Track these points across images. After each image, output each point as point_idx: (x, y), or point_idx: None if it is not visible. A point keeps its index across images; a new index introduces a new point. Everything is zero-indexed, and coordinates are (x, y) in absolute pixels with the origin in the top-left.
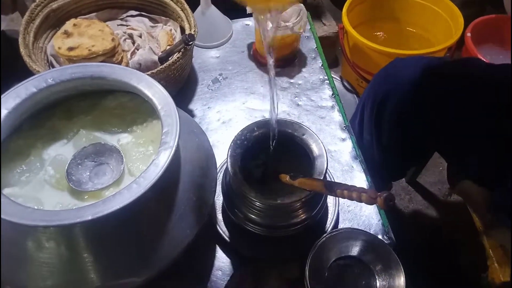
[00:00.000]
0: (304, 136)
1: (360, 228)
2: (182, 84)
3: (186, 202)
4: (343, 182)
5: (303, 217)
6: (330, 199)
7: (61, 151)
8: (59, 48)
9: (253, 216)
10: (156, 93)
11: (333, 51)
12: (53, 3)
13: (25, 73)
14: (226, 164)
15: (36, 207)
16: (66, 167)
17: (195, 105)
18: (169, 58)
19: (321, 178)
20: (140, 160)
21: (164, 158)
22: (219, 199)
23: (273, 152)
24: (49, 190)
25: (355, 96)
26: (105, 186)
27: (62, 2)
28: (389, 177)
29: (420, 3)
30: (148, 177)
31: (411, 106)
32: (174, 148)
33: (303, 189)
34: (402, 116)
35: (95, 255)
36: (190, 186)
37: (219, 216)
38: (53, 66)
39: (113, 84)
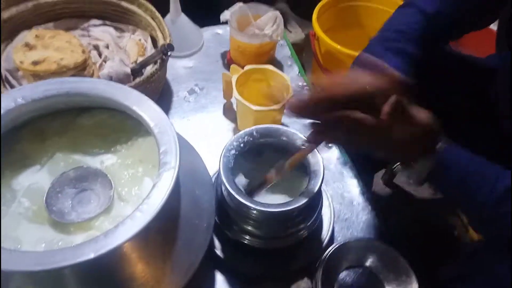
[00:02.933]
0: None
1: (359, 235)
2: (157, 97)
3: (190, 227)
4: (337, 188)
5: (301, 226)
6: (325, 209)
7: (34, 179)
8: (21, 62)
9: (249, 228)
10: (146, 109)
11: (300, 58)
12: (3, 12)
13: None
14: (217, 177)
15: (13, 247)
16: (44, 197)
17: (173, 118)
18: (143, 70)
19: (320, 183)
20: (130, 183)
21: (167, 181)
22: None
23: (266, 161)
24: (26, 225)
25: None
26: (94, 216)
27: (14, 11)
28: (373, 168)
29: (383, 10)
30: (152, 202)
31: None
32: (177, 169)
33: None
34: None
35: None
36: (191, 208)
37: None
38: (9, 83)
39: (94, 101)
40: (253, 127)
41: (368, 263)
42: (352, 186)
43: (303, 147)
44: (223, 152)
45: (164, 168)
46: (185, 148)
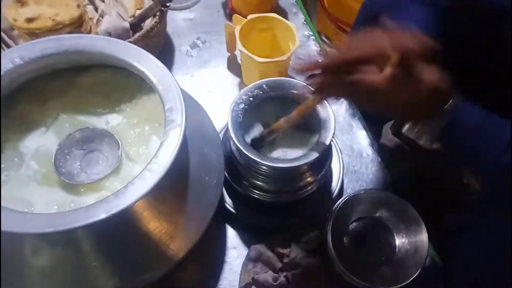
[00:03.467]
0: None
1: (368, 186)
2: (158, 52)
3: (199, 184)
4: (347, 140)
5: (310, 180)
6: (335, 162)
7: (42, 141)
8: (14, 20)
9: (259, 183)
10: (149, 65)
11: (305, 5)
12: None
13: None
14: (225, 132)
15: (25, 209)
16: (53, 159)
17: (176, 75)
18: (142, 24)
19: (330, 138)
20: (137, 143)
21: (174, 138)
22: None
23: (275, 114)
24: (36, 188)
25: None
26: (104, 176)
27: None
28: (381, 119)
29: None
30: (160, 161)
31: None
32: (183, 126)
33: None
34: None
35: (106, 257)
36: (200, 165)
37: (223, 190)
38: (5, 43)
39: (94, 59)
40: (263, 80)
41: (378, 213)
42: (361, 138)
43: (309, 97)
44: (232, 106)
45: (171, 126)
46: (191, 105)
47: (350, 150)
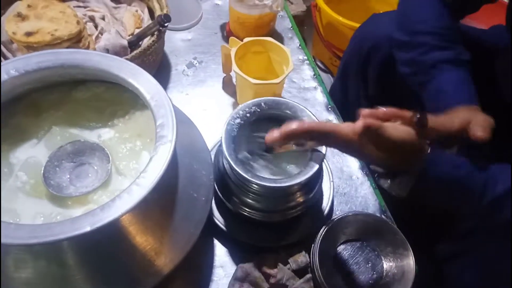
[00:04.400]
0: (300, 114)
1: (357, 209)
2: (155, 70)
3: (188, 200)
4: (337, 162)
5: (301, 201)
6: (326, 183)
7: (32, 153)
8: (13, 33)
9: (249, 201)
10: (142, 81)
11: (301, 31)
12: None
13: None
14: (218, 148)
15: (11, 220)
16: (42, 171)
17: (172, 93)
18: (140, 42)
19: (321, 160)
20: (128, 157)
21: (164, 154)
22: None
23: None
24: (24, 199)
25: (329, 75)
26: (92, 189)
27: None
28: None
29: None
30: (149, 176)
31: (393, 59)
32: (174, 142)
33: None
34: (386, 68)
35: (91, 270)
36: (189, 182)
37: (213, 205)
38: (3, 56)
39: (89, 74)
40: (261, 98)
41: (366, 237)
42: (351, 161)
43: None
44: (228, 120)
45: (161, 142)
46: (183, 122)
47: (340, 173)
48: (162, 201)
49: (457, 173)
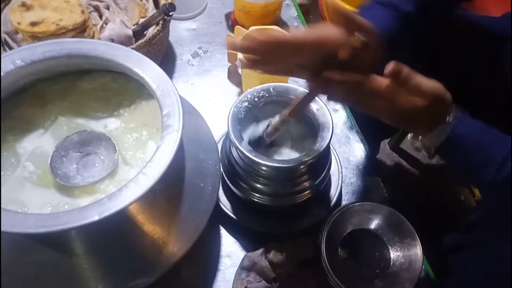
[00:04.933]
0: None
1: (363, 199)
2: (160, 60)
3: (194, 190)
4: (344, 152)
5: (307, 185)
6: (334, 172)
7: (38, 143)
8: (18, 23)
9: (258, 185)
10: (148, 71)
11: (307, 20)
12: None
13: None
14: (226, 135)
15: (19, 210)
16: (49, 161)
17: (177, 83)
18: (145, 32)
19: (329, 140)
20: (134, 147)
21: (170, 144)
22: None
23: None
24: (31, 189)
25: None
26: (99, 179)
27: None
28: (380, 135)
29: None
30: (155, 166)
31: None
32: (180, 131)
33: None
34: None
35: (98, 259)
36: (195, 172)
37: (220, 193)
38: (8, 46)
39: (95, 63)
40: (271, 84)
41: (373, 226)
42: (358, 151)
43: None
44: (236, 103)
45: (167, 131)
46: (189, 112)
47: (347, 162)
48: (169, 191)
49: (484, 137)
